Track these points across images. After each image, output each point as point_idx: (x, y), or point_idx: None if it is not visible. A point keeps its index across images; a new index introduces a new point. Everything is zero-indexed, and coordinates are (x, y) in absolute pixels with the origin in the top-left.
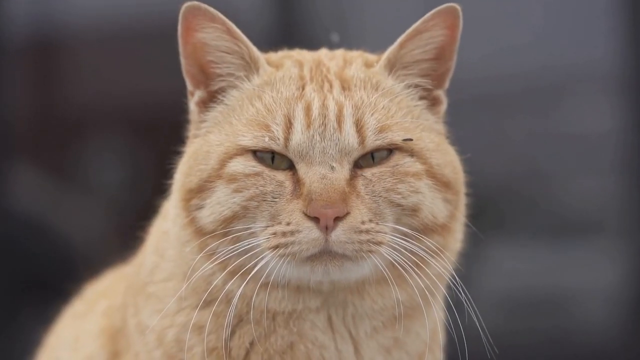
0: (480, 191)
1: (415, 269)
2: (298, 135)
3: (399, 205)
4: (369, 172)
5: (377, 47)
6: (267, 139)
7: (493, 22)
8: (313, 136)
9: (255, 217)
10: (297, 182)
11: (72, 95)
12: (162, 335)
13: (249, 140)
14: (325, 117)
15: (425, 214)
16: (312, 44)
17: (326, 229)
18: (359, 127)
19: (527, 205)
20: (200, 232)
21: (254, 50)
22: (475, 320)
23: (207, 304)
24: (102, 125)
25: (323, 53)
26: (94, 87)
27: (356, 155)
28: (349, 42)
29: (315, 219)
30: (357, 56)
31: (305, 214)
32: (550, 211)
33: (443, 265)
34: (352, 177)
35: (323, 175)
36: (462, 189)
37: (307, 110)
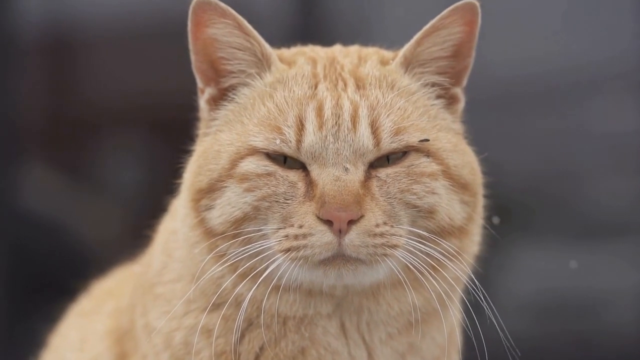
0: (506, 193)
1: (432, 273)
2: (310, 137)
3: (414, 206)
4: (383, 173)
5: (397, 44)
6: (278, 141)
7: (516, 19)
8: (326, 137)
9: (267, 219)
10: (310, 183)
11: (86, 94)
12: (170, 338)
13: (260, 141)
14: (339, 117)
15: (441, 216)
16: (331, 40)
17: (339, 233)
18: (375, 128)
19: (554, 206)
20: (210, 233)
21: (266, 46)
22: (495, 323)
23: (216, 306)
24: (116, 124)
25: (337, 49)
26: (108, 86)
27: (371, 157)
28: (368, 38)
29: (329, 222)
30: (372, 53)
31: (318, 217)
32: (577, 212)
33: (461, 268)
34: (366, 179)
35: (337, 177)
36: (480, 190)
37: (319, 110)
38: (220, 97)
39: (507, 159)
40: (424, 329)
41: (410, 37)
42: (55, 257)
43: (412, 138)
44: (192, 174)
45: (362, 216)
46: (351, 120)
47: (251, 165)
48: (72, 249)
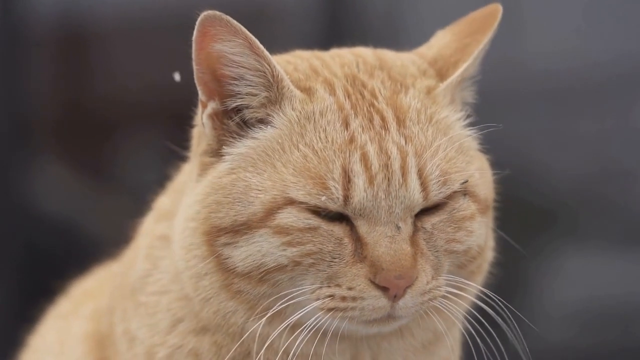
0: (551, 195)
1: (455, 298)
2: (361, 194)
3: (456, 252)
4: (428, 223)
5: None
6: (324, 198)
7: (560, 8)
8: (377, 193)
9: (307, 274)
10: (358, 240)
11: (102, 88)
12: (153, 352)
13: (302, 195)
14: (387, 168)
15: (474, 251)
16: (361, 39)
17: (394, 297)
18: (422, 178)
19: (603, 209)
20: (227, 270)
21: (278, 68)
22: (513, 334)
23: (206, 329)
24: (134, 120)
25: (349, 60)
26: (125, 80)
27: (417, 210)
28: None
29: (384, 288)
30: (413, 74)
31: (372, 282)
32: (626, 215)
33: (479, 281)
34: (414, 232)
35: (391, 238)
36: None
37: (365, 160)
38: (225, 117)
39: (551, 160)
40: (434, 349)
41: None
42: (69, 258)
43: (456, 184)
44: (206, 207)
45: (416, 278)
46: (401, 172)
47: (292, 218)
48: (86, 249)
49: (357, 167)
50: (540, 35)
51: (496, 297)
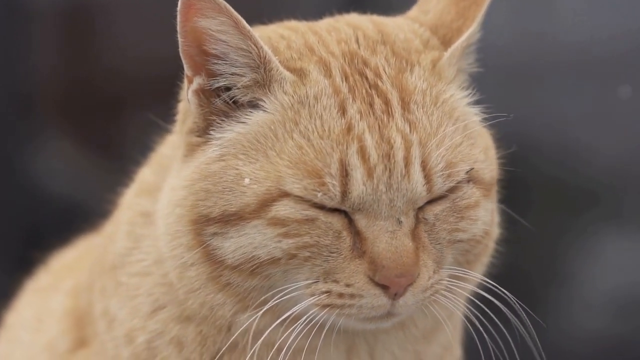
0: (591, 175)
1: (459, 283)
2: (359, 188)
3: (460, 241)
4: (430, 214)
5: None
6: (320, 194)
7: None
8: (377, 186)
9: (301, 268)
10: (356, 234)
11: (110, 62)
12: (132, 336)
13: (297, 189)
14: (389, 159)
15: (478, 236)
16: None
17: (394, 295)
18: (426, 170)
19: None
20: (214, 260)
21: (265, 49)
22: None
23: (190, 318)
24: (142, 95)
25: (347, 34)
26: (132, 53)
27: (420, 203)
28: None
29: (384, 286)
30: (420, 48)
31: (372, 279)
32: None
33: (485, 262)
34: (415, 225)
35: (392, 233)
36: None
37: (363, 152)
38: (212, 94)
39: (589, 136)
40: (432, 336)
41: None
42: (74, 238)
43: (461, 174)
44: (193, 194)
45: (418, 275)
46: (404, 163)
47: (288, 209)
48: (92, 229)
49: (354, 160)
50: (571, 5)
51: (496, 286)
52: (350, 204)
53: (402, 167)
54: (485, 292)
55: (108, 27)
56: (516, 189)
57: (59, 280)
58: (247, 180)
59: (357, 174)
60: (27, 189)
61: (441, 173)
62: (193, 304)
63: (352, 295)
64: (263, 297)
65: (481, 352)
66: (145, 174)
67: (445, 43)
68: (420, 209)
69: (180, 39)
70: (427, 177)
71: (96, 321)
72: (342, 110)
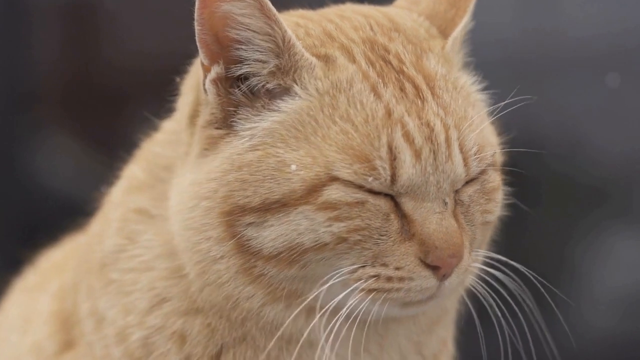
0: (600, 172)
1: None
2: (409, 171)
3: (489, 223)
4: (465, 195)
5: None
6: (371, 178)
7: None
8: (425, 168)
9: (348, 253)
10: (403, 217)
11: (112, 56)
12: (125, 334)
13: (348, 174)
14: (432, 141)
15: (496, 221)
16: None
17: (443, 277)
18: (463, 152)
19: None
20: (249, 252)
21: (289, 33)
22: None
23: (198, 311)
24: (145, 90)
25: (360, 22)
26: (137, 47)
27: (459, 185)
28: None
29: (434, 267)
30: (426, 36)
31: (422, 261)
32: None
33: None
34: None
35: (440, 214)
36: None
37: (407, 135)
38: (231, 84)
39: (598, 132)
40: (435, 327)
41: None
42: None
43: (488, 157)
44: (225, 185)
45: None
46: (446, 145)
47: (340, 193)
48: (78, 230)
49: (401, 143)
50: (578, 0)
51: (492, 289)
52: (399, 187)
53: (445, 148)
54: (495, 289)
55: (109, 23)
56: (525, 186)
57: (46, 280)
58: (293, 167)
59: (406, 156)
60: (28, 185)
61: (475, 156)
62: (216, 297)
63: (401, 279)
64: (294, 288)
65: (484, 351)
66: (133, 171)
67: (441, 33)
68: (457, 191)
69: (197, 27)
70: (465, 160)
71: (82, 322)
72: (378, 95)
